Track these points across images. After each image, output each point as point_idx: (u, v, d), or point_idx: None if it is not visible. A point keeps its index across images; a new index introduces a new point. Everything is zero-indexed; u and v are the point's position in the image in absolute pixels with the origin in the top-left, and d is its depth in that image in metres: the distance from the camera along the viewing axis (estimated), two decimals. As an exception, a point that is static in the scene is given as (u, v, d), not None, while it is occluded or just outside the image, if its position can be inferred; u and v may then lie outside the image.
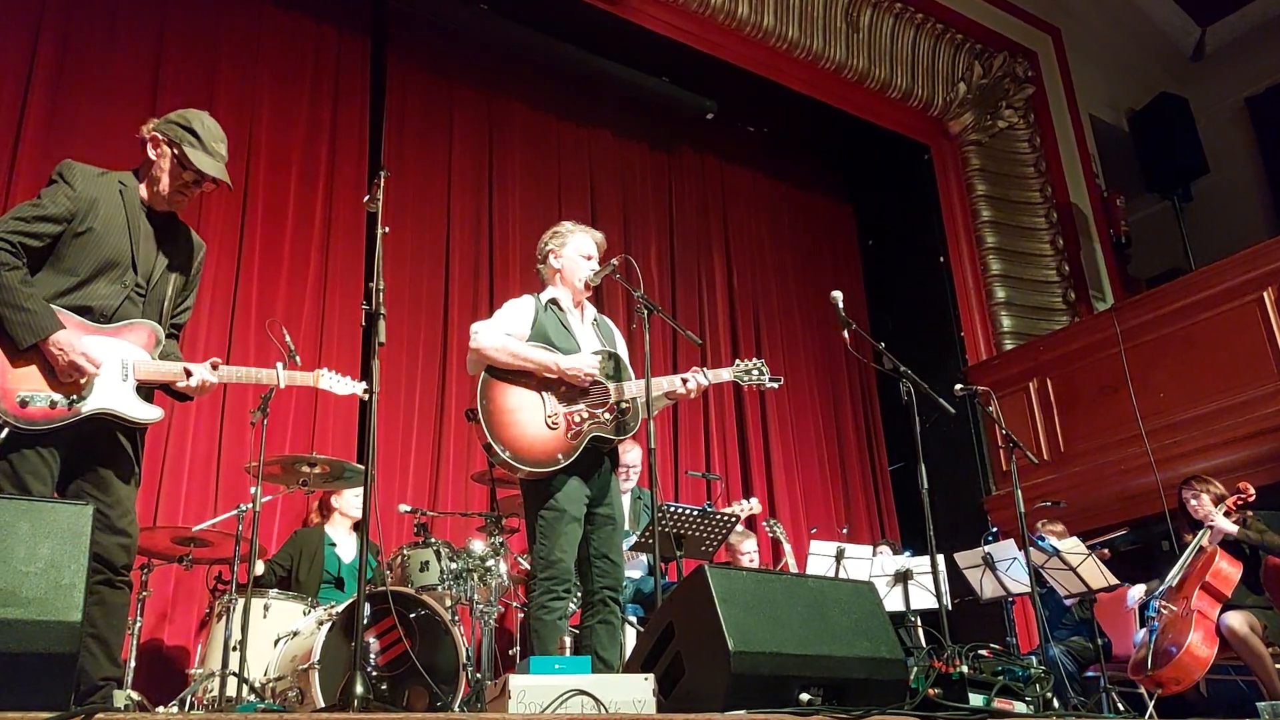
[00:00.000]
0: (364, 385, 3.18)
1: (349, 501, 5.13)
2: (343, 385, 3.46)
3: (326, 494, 5.17)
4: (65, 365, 2.82)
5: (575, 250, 3.95)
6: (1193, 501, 5.32)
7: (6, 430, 2.74)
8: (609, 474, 3.79)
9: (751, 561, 5.90)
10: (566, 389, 3.72)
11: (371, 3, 6.84)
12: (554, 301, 3.91)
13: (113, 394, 2.93)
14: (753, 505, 5.78)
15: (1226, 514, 5.11)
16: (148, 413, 3.01)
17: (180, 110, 3.18)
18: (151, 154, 3.11)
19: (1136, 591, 5.38)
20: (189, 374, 3.05)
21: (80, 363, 2.84)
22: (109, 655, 2.89)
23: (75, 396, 2.86)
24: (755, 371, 4.02)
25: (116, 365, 2.95)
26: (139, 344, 3.02)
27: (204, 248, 3.33)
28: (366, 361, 3.17)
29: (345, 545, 5.08)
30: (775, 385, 4.07)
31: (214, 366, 3.11)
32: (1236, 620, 4.82)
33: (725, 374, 4.02)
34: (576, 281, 3.93)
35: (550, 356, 3.69)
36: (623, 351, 4.00)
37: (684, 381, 3.84)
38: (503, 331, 3.75)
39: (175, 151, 3.09)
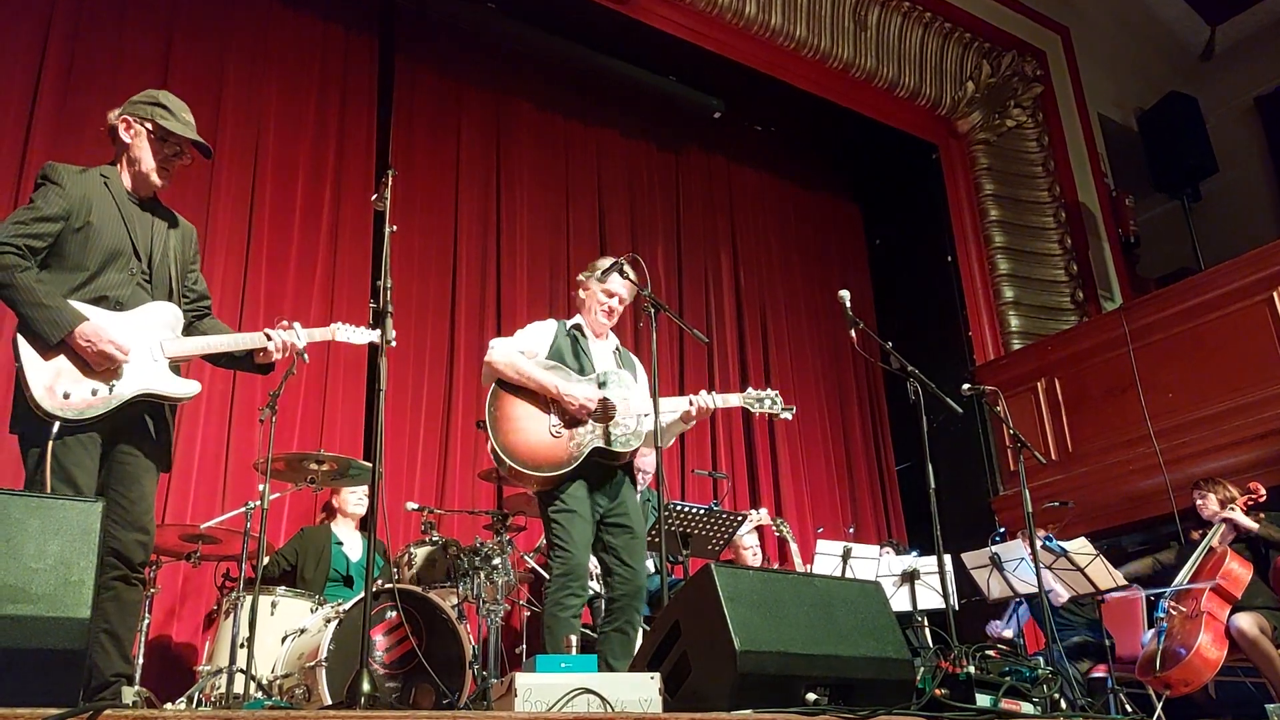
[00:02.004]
0: (378, 333, 3.22)
1: (346, 499, 5.14)
2: (359, 335, 3.47)
3: (330, 495, 5.19)
4: (95, 355, 2.87)
5: (599, 287, 4.03)
6: (1200, 501, 5.31)
7: (58, 424, 2.79)
8: (622, 483, 3.86)
9: (755, 555, 5.91)
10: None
11: (379, 2, 6.85)
12: (578, 327, 4.04)
13: (148, 375, 3.00)
14: (761, 516, 5.80)
15: (1244, 508, 5.10)
16: (185, 388, 3.09)
17: (142, 93, 3.23)
18: (125, 138, 3.15)
19: (1132, 569, 5.36)
20: (269, 338, 3.18)
21: (110, 351, 2.89)
22: (121, 651, 2.92)
23: (113, 383, 2.92)
24: (768, 400, 4.08)
25: (145, 347, 3.01)
26: (161, 325, 3.08)
27: (194, 230, 3.39)
28: (374, 359, 3.20)
29: (352, 543, 5.09)
30: (789, 415, 4.11)
31: (268, 338, 3.21)
32: (1246, 622, 4.81)
33: (734, 399, 4.08)
34: (593, 317, 4.04)
35: (551, 379, 3.79)
36: (642, 381, 4.07)
37: (690, 402, 3.94)
38: (517, 349, 3.87)
39: (150, 127, 3.14)
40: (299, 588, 4.67)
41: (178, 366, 3.12)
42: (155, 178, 3.16)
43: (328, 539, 5.03)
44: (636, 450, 3.92)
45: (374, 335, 3.42)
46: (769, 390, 4.13)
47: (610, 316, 4.05)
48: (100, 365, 2.89)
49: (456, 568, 4.52)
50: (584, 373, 3.89)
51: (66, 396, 2.83)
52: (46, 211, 2.94)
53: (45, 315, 2.82)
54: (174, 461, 3.31)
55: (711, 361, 7.52)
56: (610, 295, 4.02)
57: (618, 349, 4.14)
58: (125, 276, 3.04)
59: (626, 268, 4.02)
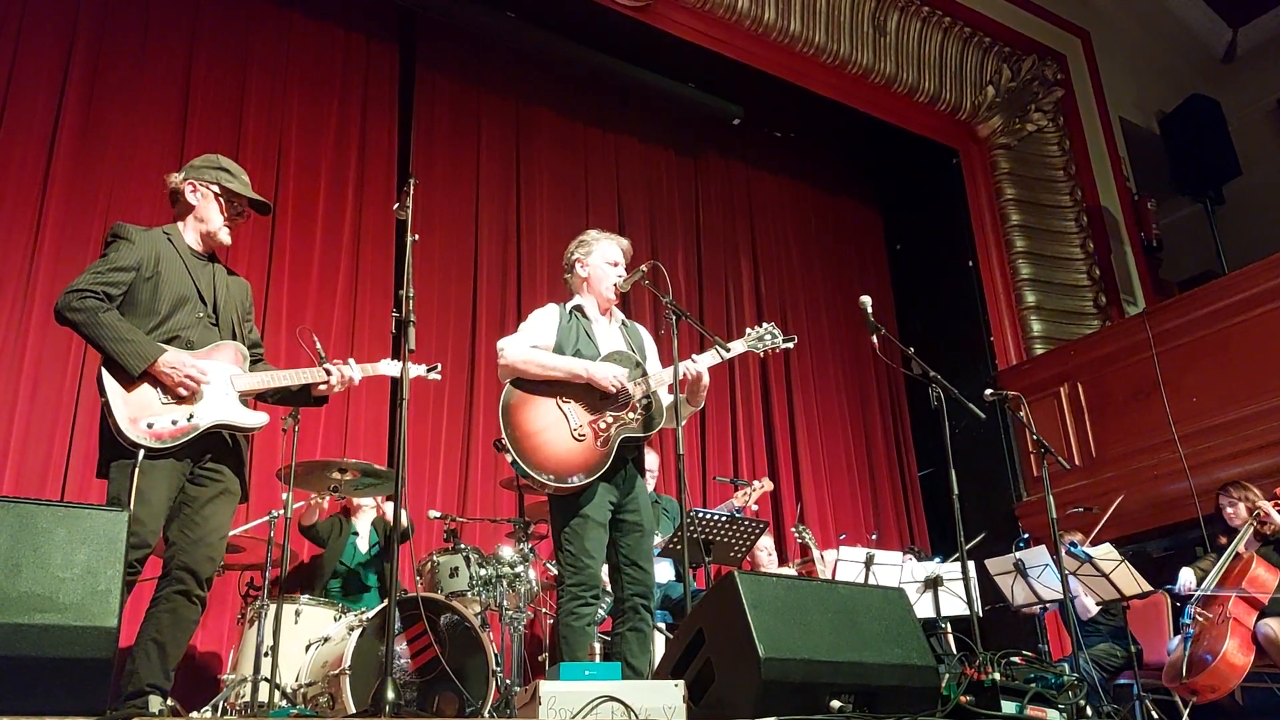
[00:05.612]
0: (425, 366, 3.52)
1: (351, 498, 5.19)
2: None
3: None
4: (181, 380, 3.05)
5: (601, 258, 3.91)
6: (1229, 509, 5.26)
7: (142, 452, 2.94)
8: (634, 478, 3.73)
9: (770, 557, 5.90)
10: (588, 398, 3.66)
11: (399, 11, 6.89)
12: (579, 309, 3.88)
13: (223, 407, 3.18)
14: (765, 484, 5.82)
15: (1263, 520, 5.04)
16: (256, 419, 3.29)
17: (200, 157, 3.49)
18: (192, 200, 3.39)
19: (1187, 577, 5.21)
20: (329, 373, 3.42)
21: (195, 375, 3.09)
22: (164, 666, 2.99)
23: (192, 414, 3.09)
24: (768, 337, 3.94)
25: (219, 381, 3.19)
26: (230, 361, 3.27)
27: (249, 285, 3.64)
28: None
29: (363, 538, 5.14)
30: (790, 344, 3.97)
31: (328, 373, 3.43)
32: (1274, 627, 4.76)
33: (739, 345, 3.92)
34: (603, 289, 3.88)
35: (580, 364, 3.65)
36: (652, 354, 3.96)
37: (690, 367, 3.71)
38: (528, 344, 3.73)
39: (217, 189, 3.39)
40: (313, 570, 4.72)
41: (246, 399, 3.28)
42: (223, 236, 3.42)
43: (348, 528, 5.15)
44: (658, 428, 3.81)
45: (421, 369, 3.74)
46: (765, 325, 3.97)
47: (618, 290, 3.89)
48: (185, 391, 3.06)
49: (479, 576, 4.52)
50: (595, 355, 3.73)
51: (150, 426, 3.00)
52: (120, 262, 3.15)
53: (129, 349, 3.01)
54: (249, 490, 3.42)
55: (732, 366, 7.50)
56: (615, 264, 3.90)
57: (624, 324, 3.98)
58: (194, 318, 3.24)
59: (615, 238, 3.97)
